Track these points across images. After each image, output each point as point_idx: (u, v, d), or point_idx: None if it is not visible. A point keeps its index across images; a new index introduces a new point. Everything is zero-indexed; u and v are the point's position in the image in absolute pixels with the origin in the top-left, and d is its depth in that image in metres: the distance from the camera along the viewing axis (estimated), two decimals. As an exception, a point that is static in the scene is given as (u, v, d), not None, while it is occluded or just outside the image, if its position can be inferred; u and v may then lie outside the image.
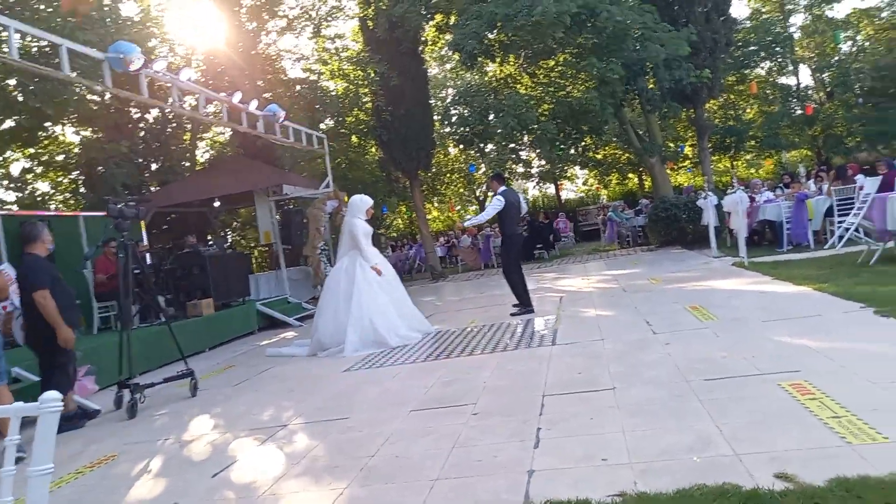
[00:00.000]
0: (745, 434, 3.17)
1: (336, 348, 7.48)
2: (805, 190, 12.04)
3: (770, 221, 11.95)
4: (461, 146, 19.14)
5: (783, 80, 28.05)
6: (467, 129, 17.42)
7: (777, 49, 23.92)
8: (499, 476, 3.15)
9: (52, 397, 1.84)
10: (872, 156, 22.16)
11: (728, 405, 3.63)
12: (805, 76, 28.77)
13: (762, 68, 26.48)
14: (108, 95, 14.58)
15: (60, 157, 17.22)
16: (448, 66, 28.31)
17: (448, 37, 18.01)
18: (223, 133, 20.20)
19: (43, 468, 1.82)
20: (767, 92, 27.13)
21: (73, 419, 5.55)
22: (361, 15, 18.12)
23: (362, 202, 8.18)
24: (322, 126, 17.85)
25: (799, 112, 25.69)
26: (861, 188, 9.94)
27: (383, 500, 3.08)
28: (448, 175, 29.28)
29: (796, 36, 26.38)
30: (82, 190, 16.39)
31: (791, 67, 27.32)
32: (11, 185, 16.21)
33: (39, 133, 15.34)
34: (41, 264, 5.41)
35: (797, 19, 28.09)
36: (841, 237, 10.15)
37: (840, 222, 10.39)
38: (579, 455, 3.26)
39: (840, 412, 3.25)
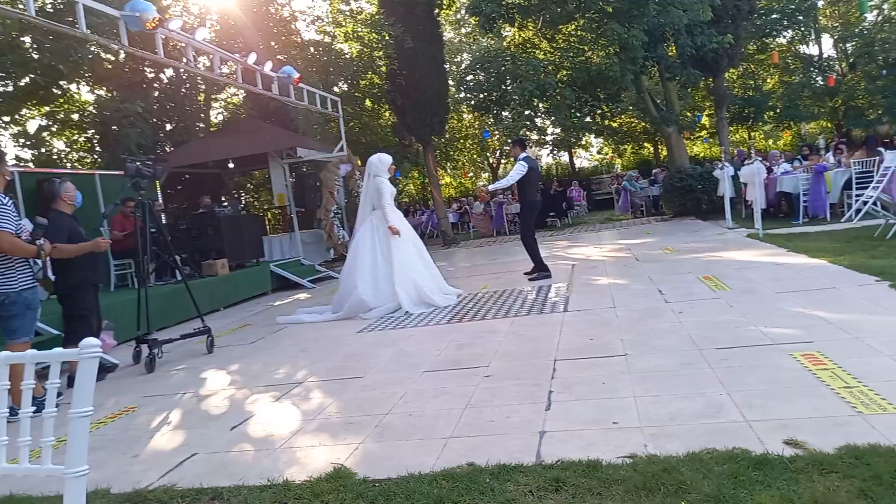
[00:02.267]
0: (756, 402, 3.21)
1: (385, 307, 7.33)
2: (824, 162, 11.89)
3: (787, 193, 11.84)
4: (476, 112, 18.96)
5: (805, 49, 27.51)
6: (483, 95, 17.26)
7: (800, 18, 23.39)
8: (511, 436, 3.21)
9: (91, 343, 1.90)
10: (895, 128, 21.78)
11: (740, 373, 3.66)
12: (828, 46, 28.18)
13: (784, 37, 25.95)
14: (122, 54, 14.54)
15: (76, 116, 17.25)
16: (464, 31, 27.91)
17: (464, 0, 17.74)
18: (237, 94, 20.13)
19: (83, 410, 1.89)
20: (789, 62, 26.63)
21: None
22: (377, -24, 17.84)
23: (381, 161, 8.01)
24: (336, 89, 17.74)
25: (820, 83, 25.20)
26: (881, 161, 9.81)
27: (398, 457, 3.15)
28: (462, 141, 29.08)
29: (820, 4, 25.72)
30: (97, 149, 16.44)
31: (813, 37, 26.73)
32: (27, 143, 16.28)
33: (54, 91, 15.34)
34: (61, 220, 5.48)
35: (821, -13, 27.34)
36: (858, 210, 10.05)
37: (858, 195, 10.28)
38: (590, 418, 3.31)
39: (852, 383, 3.27)
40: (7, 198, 4.67)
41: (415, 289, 7.46)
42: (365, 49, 18.76)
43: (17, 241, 4.61)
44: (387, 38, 17.06)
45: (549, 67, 16.03)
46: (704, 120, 25.68)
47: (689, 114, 23.10)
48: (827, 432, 2.75)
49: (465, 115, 27.05)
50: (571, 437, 3.10)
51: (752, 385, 3.45)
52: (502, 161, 31.96)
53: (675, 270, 7.69)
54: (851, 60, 26.01)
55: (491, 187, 10.39)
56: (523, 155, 8.76)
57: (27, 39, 13.14)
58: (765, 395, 3.29)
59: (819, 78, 25.70)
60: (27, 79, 14.30)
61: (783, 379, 3.48)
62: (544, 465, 2.80)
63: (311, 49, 17.22)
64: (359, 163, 15.31)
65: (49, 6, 12.60)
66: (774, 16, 23.00)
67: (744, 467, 2.52)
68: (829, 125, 27.98)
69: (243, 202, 20.88)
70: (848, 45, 26.14)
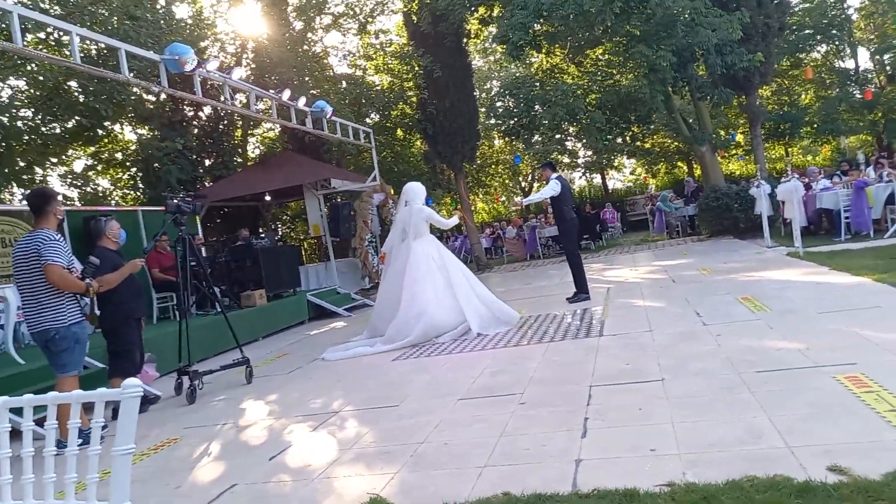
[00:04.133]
0: (797, 426, 3.13)
1: (456, 330, 7.27)
2: (864, 177, 11.61)
3: (827, 210, 11.57)
4: (507, 137, 19.08)
5: (840, 63, 27.03)
6: (513, 121, 17.37)
7: (834, 32, 23.05)
8: (546, 465, 3.19)
9: (133, 384, 1.98)
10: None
11: (780, 397, 3.58)
12: (864, 59, 27.64)
13: (818, 52, 25.56)
14: (163, 95, 15.06)
15: (119, 155, 17.88)
16: (492, 59, 28.22)
17: (492, 29, 17.96)
18: (273, 129, 20.64)
19: (126, 448, 1.96)
20: (824, 76, 26.17)
21: (136, 404, 5.82)
22: (405, 9, 18.23)
23: (421, 189, 8.19)
24: (368, 121, 18.07)
25: (858, 96, 24.68)
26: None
27: (433, 486, 3.16)
28: (493, 167, 29.23)
29: (854, 18, 25.31)
30: (140, 186, 16.99)
31: (849, 51, 26.27)
32: (74, 182, 16.91)
33: (99, 132, 15.94)
34: (107, 256, 5.68)
35: (854, 1, 26.99)
36: (902, 226, 9.78)
37: (902, 210, 10.01)
38: (627, 445, 3.27)
39: (898, 405, 3.17)
40: (59, 235, 4.89)
41: (486, 308, 7.49)
42: (395, 80, 19.12)
43: (68, 276, 4.78)
44: (416, 68, 17.38)
45: (578, 91, 16.07)
46: (739, 137, 25.32)
47: (722, 132, 22.81)
48: (873, 458, 2.67)
49: (495, 141, 27.22)
50: (608, 465, 3.07)
51: (793, 409, 3.37)
52: (534, 185, 31.98)
53: (712, 292, 7.56)
54: (890, 72, 25.45)
55: (525, 200, 10.59)
56: (555, 175, 8.97)
57: (73, 84, 13.73)
58: (807, 419, 3.21)
59: (856, 91, 25.17)
60: (73, 121, 14.91)
61: (826, 402, 3.39)
62: (580, 495, 2.78)
63: (343, 83, 17.61)
64: (391, 192, 15.52)
65: (94, 52, 13.16)
66: (807, 31, 22.74)
67: (786, 495, 2.47)
68: (869, 139, 27.32)
69: (280, 233, 21.26)
70: (885, 56, 25.60)
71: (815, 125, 24.25)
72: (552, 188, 8.70)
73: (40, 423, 2.45)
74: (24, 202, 5.21)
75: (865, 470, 2.56)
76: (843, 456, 2.73)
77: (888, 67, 25.64)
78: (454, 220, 8.79)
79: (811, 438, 2.97)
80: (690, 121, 18.43)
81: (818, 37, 23.12)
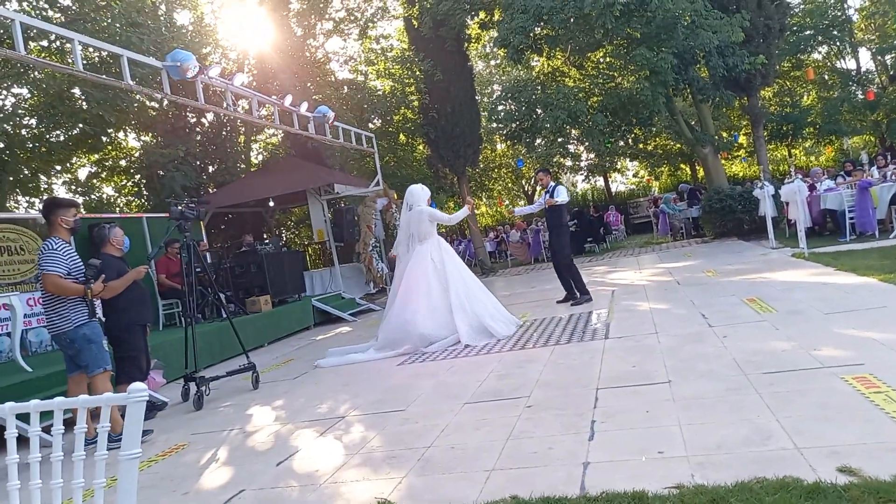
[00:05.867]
0: (806, 427, 3.12)
1: (446, 340, 7.13)
2: (868, 177, 11.59)
3: (831, 211, 11.55)
4: (509, 141, 19.12)
5: (842, 64, 26.99)
6: (515, 124, 17.41)
7: (834, 33, 23.04)
8: (554, 467, 3.18)
9: (138, 388, 1.99)
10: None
11: (788, 398, 3.56)
12: (865, 59, 27.59)
13: (819, 53, 25.54)
14: (165, 102, 15.13)
15: (123, 162, 17.95)
16: (493, 63, 28.27)
17: (493, 33, 18.00)
18: (275, 135, 20.69)
19: (132, 452, 1.96)
20: (826, 77, 26.14)
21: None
22: (406, 14, 18.28)
23: (423, 191, 8.08)
24: (370, 126, 18.11)
25: (860, 97, 24.64)
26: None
27: (441, 490, 3.15)
28: (496, 170, 29.25)
29: (854, 18, 25.28)
30: (144, 193, 17.04)
31: (850, 51, 26.25)
32: (78, 190, 16.98)
33: (103, 139, 16.03)
34: (111, 263, 5.70)
35: (855, 1, 26.98)
36: (907, 226, 9.75)
37: (906, 210, 9.98)
38: (635, 448, 3.26)
39: (907, 405, 3.16)
40: (59, 241, 4.95)
41: (476, 318, 7.28)
42: (397, 85, 19.16)
43: (61, 282, 4.87)
44: (417, 73, 17.42)
45: (580, 94, 16.09)
46: (742, 139, 25.28)
47: (725, 134, 22.79)
48: (882, 458, 2.66)
49: (498, 145, 27.23)
50: (616, 467, 3.06)
51: (801, 410, 3.36)
52: (537, 188, 31.98)
53: (717, 293, 7.55)
54: (892, 73, 25.41)
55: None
56: (553, 184, 9.16)
57: (77, 91, 13.79)
58: (815, 420, 3.20)
59: (858, 92, 25.12)
60: (77, 128, 14.98)
61: (834, 403, 3.38)
62: (589, 497, 2.77)
63: (345, 88, 17.66)
64: (395, 196, 15.54)
65: (96, 59, 13.23)
66: (808, 32, 22.72)
67: (795, 497, 2.46)
68: (872, 139, 27.27)
69: (284, 239, 21.29)
70: (887, 57, 25.55)
71: (818, 126, 24.21)
72: (566, 193, 9.15)
73: (48, 430, 2.46)
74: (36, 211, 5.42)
75: (875, 471, 2.56)
76: (853, 457, 2.72)
77: (890, 68, 25.60)
78: (462, 214, 8.45)
79: (820, 439, 2.96)
80: (692, 123, 18.43)
81: (819, 37, 23.10)
